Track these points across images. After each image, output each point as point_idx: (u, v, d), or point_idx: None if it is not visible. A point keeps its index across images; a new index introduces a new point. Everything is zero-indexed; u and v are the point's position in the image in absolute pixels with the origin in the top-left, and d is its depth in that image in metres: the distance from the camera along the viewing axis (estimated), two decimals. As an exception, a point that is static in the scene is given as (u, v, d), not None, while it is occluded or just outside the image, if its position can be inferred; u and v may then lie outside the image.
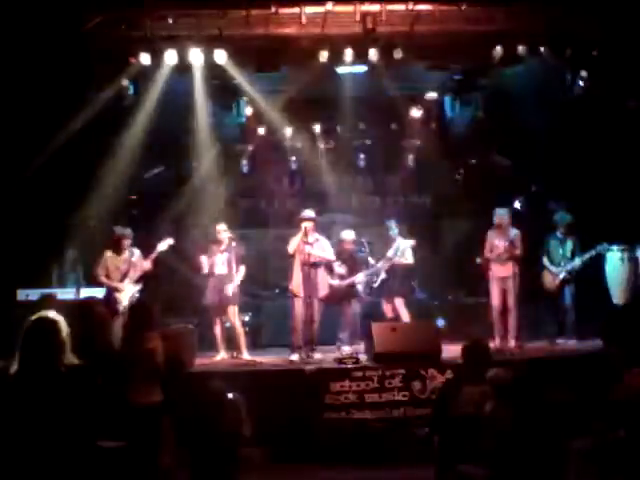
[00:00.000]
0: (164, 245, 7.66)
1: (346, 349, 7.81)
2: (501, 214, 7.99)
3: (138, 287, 7.58)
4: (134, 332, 4.98)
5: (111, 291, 7.51)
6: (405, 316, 8.27)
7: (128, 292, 7.47)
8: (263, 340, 8.80)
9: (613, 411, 4.62)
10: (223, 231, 7.88)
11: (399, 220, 8.77)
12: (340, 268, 8.18)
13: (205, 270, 7.87)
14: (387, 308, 8.42)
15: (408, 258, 8.26)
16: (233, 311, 7.84)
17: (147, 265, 7.61)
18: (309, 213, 7.95)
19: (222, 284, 7.76)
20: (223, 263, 7.82)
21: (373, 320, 7.68)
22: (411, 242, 8.30)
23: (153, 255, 7.63)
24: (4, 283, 7.93)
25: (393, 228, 8.45)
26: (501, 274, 7.91)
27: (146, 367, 4.81)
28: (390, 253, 8.27)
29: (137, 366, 4.79)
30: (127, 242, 7.63)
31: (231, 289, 7.73)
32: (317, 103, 9.81)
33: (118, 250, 7.59)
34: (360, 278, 8.20)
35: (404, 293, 8.46)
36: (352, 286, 8.17)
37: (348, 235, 8.29)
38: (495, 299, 7.93)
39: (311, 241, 7.82)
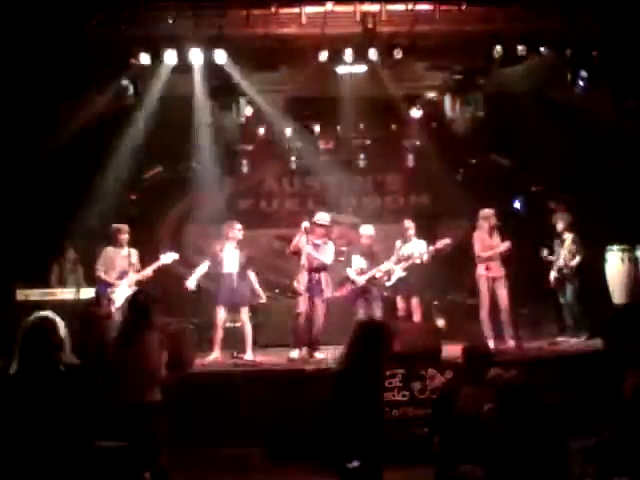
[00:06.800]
0: (168, 258, 7.65)
1: None
2: (491, 214, 8.07)
3: (132, 291, 7.54)
4: (135, 330, 4.93)
5: (105, 290, 7.49)
6: (417, 316, 8.34)
7: (123, 293, 7.46)
8: (263, 340, 8.78)
9: (613, 411, 4.62)
10: (238, 230, 7.91)
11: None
12: (360, 262, 8.22)
13: (225, 268, 7.85)
14: (401, 306, 8.51)
15: (424, 258, 8.34)
16: (244, 311, 7.89)
17: (148, 272, 7.60)
18: (325, 216, 8.01)
19: (234, 283, 7.78)
20: (234, 262, 7.84)
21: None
22: (424, 243, 8.41)
23: (155, 266, 7.62)
24: (4, 283, 7.92)
25: (411, 228, 8.56)
26: (495, 274, 7.96)
27: (146, 366, 4.78)
28: (405, 252, 8.36)
29: (137, 365, 4.76)
30: (124, 237, 7.61)
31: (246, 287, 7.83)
32: (317, 103, 9.79)
33: (117, 245, 7.60)
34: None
35: (420, 293, 8.53)
36: (371, 282, 8.17)
37: (366, 230, 8.34)
38: (486, 299, 7.96)
39: (319, 243, 7.87)
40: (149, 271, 7.61)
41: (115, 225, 7.69)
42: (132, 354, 4.77)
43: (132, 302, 5.12)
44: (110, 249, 7.62)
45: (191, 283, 7.83)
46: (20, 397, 3.33)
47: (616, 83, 8.31)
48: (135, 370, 4.72)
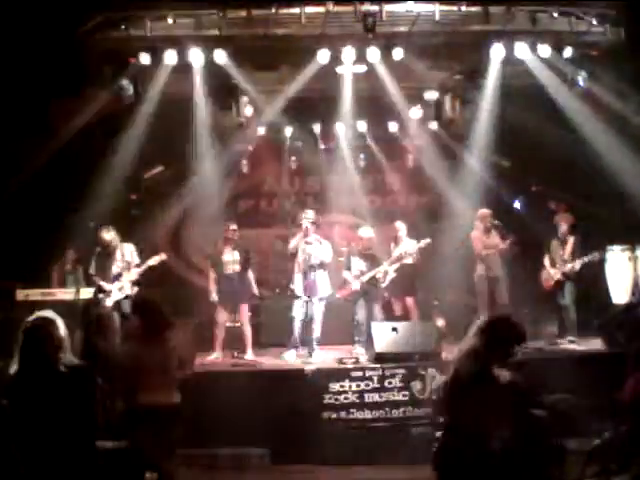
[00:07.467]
0: (154, 261, 7.54)
1: (360, 350, 7.74)
2: (488, 214, 8.12)
3: (125, 294, 7.43)
4: (150, 334, 4.89)
5: (99, 291, 7.44)
6: (415, 315, 8.39)
7: (114, 297, 7.39)
8: (263, 340, 8.79)
9: (613, 411, 4.62)
10: (233, 230, 7.91)
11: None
12: (360, 264, 8.22)
13: (225, 269, 7.85)
14: (397, 307, 8.62)
15: (414, 257, 8.45)
16: (244, 310, 7.88)
17: (133, 276, 7.46)
18: (310, 214, 7.99)
19: (234, 282, 7.77)
20: (233, 262, 7.83)
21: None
22: (415, 242, 8.50)
23: (141, 269, 7.50)
24: (4, 283, 7.91)
25: (401, 230, 8.68)
26: (495, 274, 7.97)
27: (164, 368, 4.76)
28: (397, 253, 8.42)
29: (155, 367, 4.73)
30: (111, 239, 7.48)
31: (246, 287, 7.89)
32: (317, 103, 9.79)
33: (107, 248, 7.50)
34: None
35: (414, 292, 8.55)
36: (371, 283, 8.19)
37: (366, 232, 8.35)
38: (484, 299, 7.98)
39: (311, 241, 7.85)
40: (136, 274, 7.47)
41: (104, 237, 7.50)
42: (150, 357, 4.74)
43: (142, 306, 5.10)
44: (101, 252, 7.54)
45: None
46: (20, 397, 3.33)
47: (617, 83, 8.30)
48: (156, 373, 4.70)
